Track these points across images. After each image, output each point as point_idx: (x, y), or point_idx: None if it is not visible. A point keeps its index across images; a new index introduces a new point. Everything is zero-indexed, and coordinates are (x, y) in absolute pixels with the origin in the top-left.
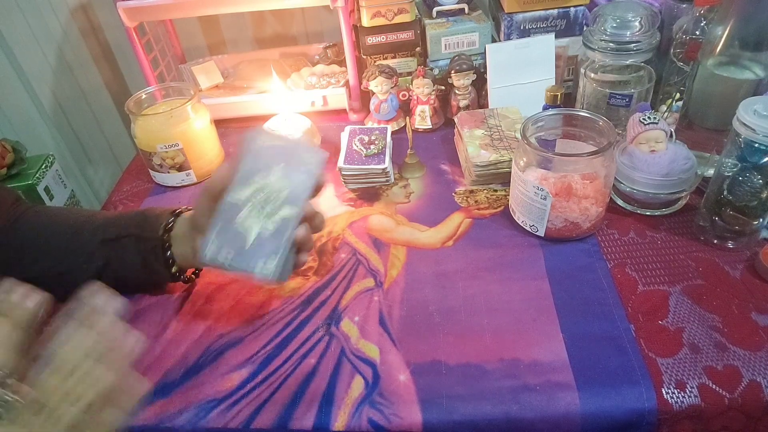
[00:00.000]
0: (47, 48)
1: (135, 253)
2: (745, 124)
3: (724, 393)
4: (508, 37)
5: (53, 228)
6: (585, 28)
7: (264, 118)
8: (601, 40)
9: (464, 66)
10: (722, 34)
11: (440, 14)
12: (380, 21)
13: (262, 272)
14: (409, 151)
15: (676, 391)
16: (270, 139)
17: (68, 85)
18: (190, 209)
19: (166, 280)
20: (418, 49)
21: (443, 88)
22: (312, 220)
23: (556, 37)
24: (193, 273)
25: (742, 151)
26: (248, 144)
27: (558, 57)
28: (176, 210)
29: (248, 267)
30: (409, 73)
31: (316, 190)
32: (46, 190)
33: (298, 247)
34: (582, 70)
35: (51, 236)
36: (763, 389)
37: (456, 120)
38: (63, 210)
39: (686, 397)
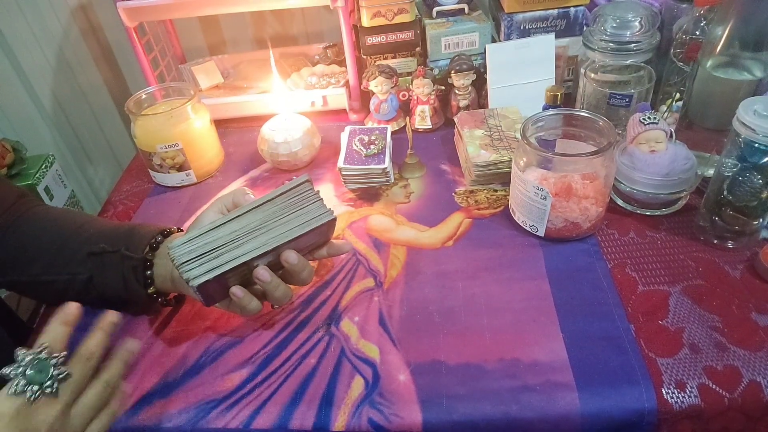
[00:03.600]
0: (47, 48)
1: (117, 269)
2: (745, 124)
3: (724, 393)
4: (508, 37)
5: (45, 234)
6: (585, 28)
7: (264, 118)
8: (601, 40)
9: (464, 66)
10: (722, 34)
11: (440, 14)
12: (380, 21)
13: (187, 274)
14: (409, 151)
15: (676, 391)
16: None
17: (68, 85)
18: (181, 230)
19: (143, 301)
20: (418, 49)
21: (443, 88)
22: (294, 268)
23: (556, 37)
24: (174, 297)
25: (742, 151)
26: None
27: (558, 57)
28: (166, 230)
29: (182, 269)
30: (409, 73)
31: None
32: (46, 190)
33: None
34: (582, 70)
35: (42, 242)
36: (763, 389)
37: (456, 120)
38: (59, 214)
39: (686, 397)
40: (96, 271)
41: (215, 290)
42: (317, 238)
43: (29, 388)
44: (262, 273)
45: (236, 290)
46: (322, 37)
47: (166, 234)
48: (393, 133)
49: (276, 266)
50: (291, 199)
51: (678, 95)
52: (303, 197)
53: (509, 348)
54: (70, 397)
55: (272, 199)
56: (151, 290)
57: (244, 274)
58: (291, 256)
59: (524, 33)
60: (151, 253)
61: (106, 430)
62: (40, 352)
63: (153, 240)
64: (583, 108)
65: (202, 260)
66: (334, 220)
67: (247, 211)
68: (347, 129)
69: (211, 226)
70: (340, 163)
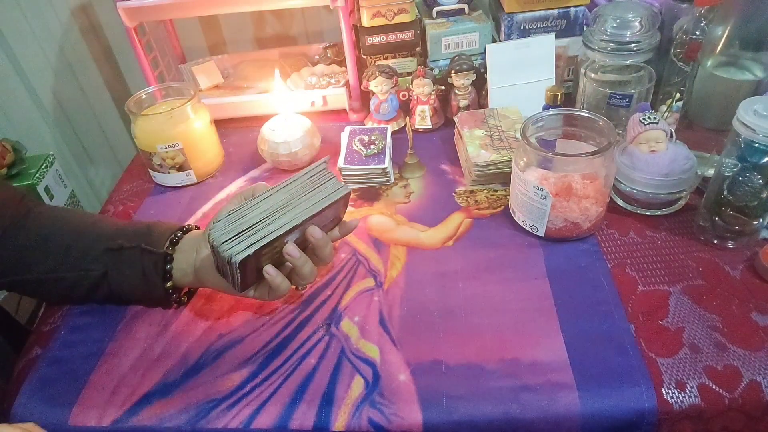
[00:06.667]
0: (48, 47)
1: (135, 265)
2: (745, 124)
3: (724, 393)
4: (508, 37)
5: (56, 231)
6: (585, 28)
7: (264, 118)
8: (601, 40)
9: (464, 66)
10: (722, 34)
11: (440, 14)
12: (380, 21)
13: (229, 252)
14: (409, 151)
15: (676, 391)
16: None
17: (69, 85)
18: (198, 228)
19: (160, 295)
20: (418, 49)
21: (443, 88)
22: (317, 245)
23: (557, 37)
24: (185, 294)
25: (742, 151)
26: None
27: (558, 57)
28: (185, 226)
29: (222, 247)
30: (409, 73)
31: (331, 216)
32: (47, 190)
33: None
34: (582, 70)
35: (52, 241)
36: (763, 389)
37: (456, 120)
38: (67, 212)
39: (686, 397)
40: (112, 267)
41: (251, 270)
42: (334, 214)
43: None
44: (292, 249)
45: (269, 269)
46: (322, 37)
47: (185, 230)
48: (393, 133)
49: (301, 246)
50: (310, 179)
51: (678, 95)
52: (319, 176)
53: (509, 348)
54: None
55: (293, 181)
56: (169, 285)
57: (274, 255)
58: (316, 231)
59: (524, 33)
60: (171, 248)
61: None
62: None
63: (173, 235)
64: (583, 108)
65: (240, 238)
66: (349, 194)
67: (271, 195)
68: (347, 129)
69: (242, 207)
70: (340, 163)
